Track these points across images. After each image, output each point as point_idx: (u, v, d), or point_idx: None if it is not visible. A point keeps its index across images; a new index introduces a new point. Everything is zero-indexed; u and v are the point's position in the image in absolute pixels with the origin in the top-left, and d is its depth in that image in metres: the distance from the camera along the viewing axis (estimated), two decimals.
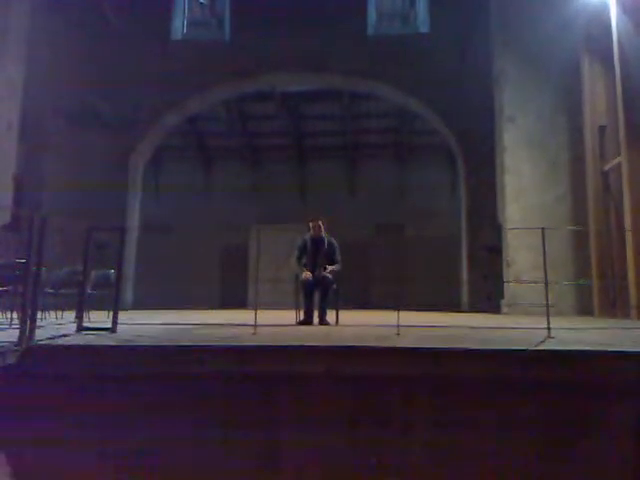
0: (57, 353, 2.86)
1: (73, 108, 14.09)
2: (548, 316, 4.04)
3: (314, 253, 6.17)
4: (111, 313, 6.66)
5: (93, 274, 6.49)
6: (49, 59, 12.98)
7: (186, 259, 18.06)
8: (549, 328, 3.71)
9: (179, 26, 16.63)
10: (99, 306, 6.51)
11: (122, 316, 6.91)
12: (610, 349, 2.99)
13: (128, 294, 14.75)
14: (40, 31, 11.90)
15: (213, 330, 4.38)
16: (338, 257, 6.28)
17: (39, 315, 5.83)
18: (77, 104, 14.10)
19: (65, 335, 3.45)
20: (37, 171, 14.21)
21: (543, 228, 4.28)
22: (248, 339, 3.39)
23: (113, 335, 3.53)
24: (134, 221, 15.53)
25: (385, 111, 17.61)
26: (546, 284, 4.22)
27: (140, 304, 14.31)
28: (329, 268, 6.09)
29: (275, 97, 17.21)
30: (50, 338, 3.17)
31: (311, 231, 6.35)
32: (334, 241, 6.38)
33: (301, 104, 18.10)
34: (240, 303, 14.92)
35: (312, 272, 6.01)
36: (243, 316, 6.27)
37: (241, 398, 2.85)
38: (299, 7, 14.84)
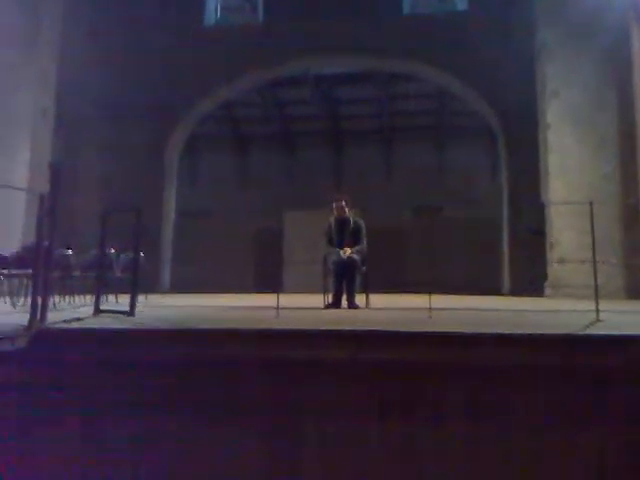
0: (66, 336, 2.75)
1: (107, 98, 14.16)
2: (597, 298, 3.72)
3: (340, 234, 5.95)
4: (141, 296, 6.65)
5: (122, 258, 6.45)
6: (82, 48, 13.05)
7: (222, 244, 18.09)
8: (598, 311, 3.40)
9: (212, 11, 16.52)
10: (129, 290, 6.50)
11: (154, 299, 6.95)
12: None
13: (165, 278, 14.92)
14: (73, 20, 11.94)
15: (236, 313, 4.24)
16: (363, 237, 6.05)
17: (65, 299, 5.86)
18: (111, 93, 14.15)
19: (80, 318, 3.35)
20: (73, 161, 14.40)
21: (591, 203, 3.94)
22: (269, 323, 3.22)
23: (130, 318, 3.41)
24: (170, 208, 15.63)
25: (423, 92, 17.12)
26: (594, 263, 3.89)
27: (177, 288, 14.44)
28: (354, 249, 5.87)
29: (309, 81, 16.96)
30: (64, 321, 3.08)
31: (334, 212, 6.14)
32: (361, 221, 6.14)
33: (336, 87, 17.79)
34: (275, 287, 14.84)
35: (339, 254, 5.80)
36: (275, 300, 6.12)
37: (259, 384, 2.67)
38: None
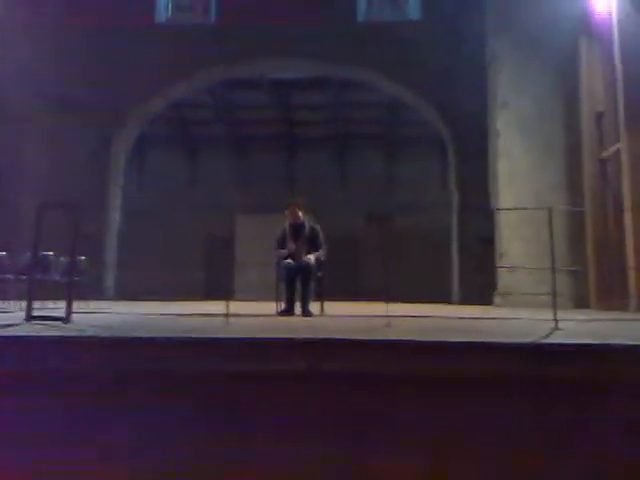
0: None
1: (52, 93, 13.56)
2: (555, 305, 3.68)
3: (294, 240, 5.77)
4: (83, 302, 6.29)
5: (62, 260, 6.08)
6: (25, 41, 12.45)
7: (170, 248, 17.62)
8: (556, 319, 3.35)
9: (163, 9, 16.12)
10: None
11: (97, 306, 6.58)
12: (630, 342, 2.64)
13: (109, 283, 14.34)
14: (14, 9, 11.37)
15: (182, 320, 4.00)
16: (322, 242, 5.89)
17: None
18: (57, 88, 13.57)
19: (10, 325, 3.05)
20: (15, 157, 13.73)
21: (550, 209, 3.92)
22: (216, 331, 3.01)
23: (65, 325, 3.13)
24: (115, 209, 15.08)
25: (375, 101, 17.24)
26: (553, 270, 3.86)
27: (123, 294, 13.93)
28: (312, 255, 5.70)
29: (263, 85, 16.80)
30: None
31: (288, 217, 5.97)
32: (316, 225, 5.98)
33: (290, 93, 17.68)
34: (226, 294, 14.51)
35: (293, 259, 5.62)
36: (231, 307, 5.89)
37: (204, 400, 2.46)
38: None
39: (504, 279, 9.79)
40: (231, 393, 2.43)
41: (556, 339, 2.88)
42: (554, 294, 3.81)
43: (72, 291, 3.47)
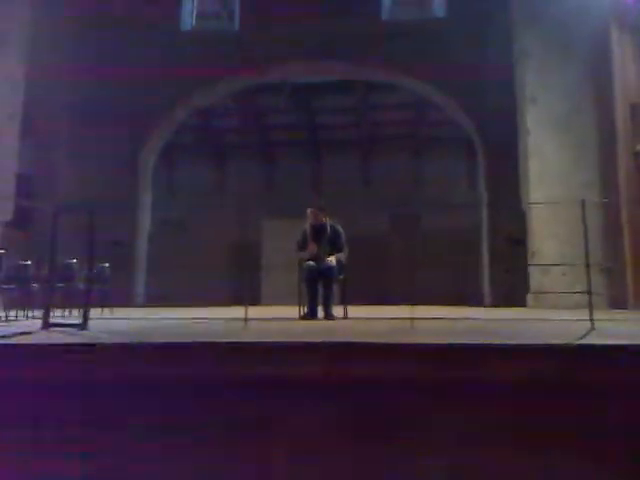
0: (6, 352, 2.42)
1: (78, 104, 13.76)
2: (591, 304, 3.48)
3: (315, 241, 5.64)
4: (107, 310, 6.30)
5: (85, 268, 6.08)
6: (53, 52, 12.65)
7: (199, 255, 17.72)
8: (592, 320, 3.16)
9: (188, 17, 16.27)
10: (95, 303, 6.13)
11: (121, 312, 6.58)
12: None
13: (139, 290, 14.49)
14: (44, 23, 11.55)
15: (202, 326, 3.92)
16: (344, 244, 5.76)
17: (25, 313, 5.48)
18: (82, 100, 13.76)
19: (26, 333, 3.02)
20: (47, 168, 13.97)
21: (583, 201, 3.72)
22: (234, 335, 2.92)
23: (82, 332, 3.08)
24: (145, 217, 15.23)
25: (401, 102, 17.06)
26: (587, 268, 3.66)
27: (152, 301, 14.03)
28: (334, 257, 5.56)
29: (288, 90, 16.77)
30: (5, 336, 2.74)
31: (309, 218, 5.85)
32: (339, 227, 5.84)
33: (315, 97, 17.63)
34: (253, 299, 14.50)
35: (314, 261, 5.50)
36: (252, 312, 5.81)
37: (219, 406, 2.36)
38: None
39: (536, 280, 9.48)
40: (245, 398, 2.33)
41: (592, 340, 2.70)
42: (589, 293, 3.61)
43: (90, 297, 3.42)
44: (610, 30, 8.85)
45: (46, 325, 3.29)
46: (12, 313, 5.17)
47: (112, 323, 4.14)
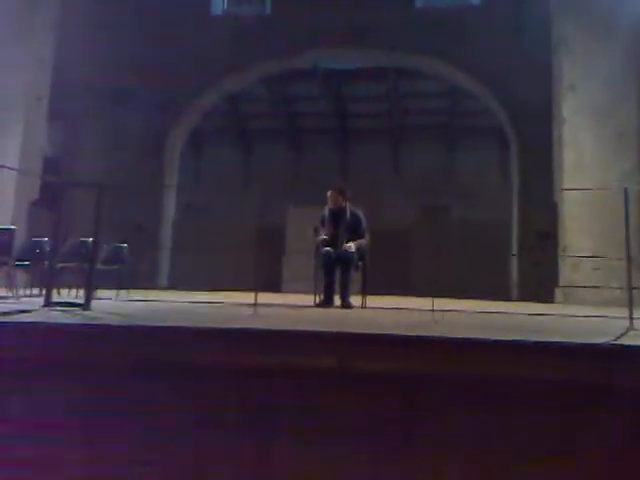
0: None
1: (108, 88, 13.75)
2: (631, 301, 3.21)
3: (334, 226, 5.41)
4: (121, 291, 6.22)
5: (104, 247, 6.01)
6: (82, 35, 12.64)
7: (224, 241, 17.67)
8: (632, 318, 2.91)
9: (219, 1, 16.14)
10: (112, 283, 6.07)
11: (139, 294, 6.52)
12: None
13: (163, 274, 14.56)
14: (72, 5, 11.52)
15: (212, 310, 3.77)
16: (364, 230, 5.51)
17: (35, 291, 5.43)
18: (112, 84, 13.75)
19: (26, 311, 2.91)
20: (74, 151, 14.04)
21: (626, 188, 3.45)
22: (241, 321, 2.76)
23: (83, 312, 2.96)
24: (170, 202, 15.25)
25: (433, 91, 16.72)
26: (628, 262, 3.38)
27: (176, 284, 14.06)
28: (353, 242, 5.30)
29: (318, 76, 16.54)
30: (4, 313, 2.64)
31: (328, 202, 5.62)
32: (359, 212, 5.59)
33: (345, 84, 17.37)
34: (274, 286, 14.40)
35: (332, 247, 5.27)
36: (268, 298, 5.65)
37: (223, 396, 2.20)
38: None
39: (566, 275, 9.13)
40: (247, 389, 2.18)
41: (632, 340, 2.46)
42: (630, 289, 3.33)
43: (93, 277, 3.29)
44: None
45: (47, 304, 3.18)
46: (28, 291, 5.13)
47: (120, 305, 4.03)
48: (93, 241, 3.37)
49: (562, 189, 8.90)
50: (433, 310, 3.11)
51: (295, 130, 19.66)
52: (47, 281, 3.42)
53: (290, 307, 4.57)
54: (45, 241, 5.08)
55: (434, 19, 14.00)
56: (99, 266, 5.88)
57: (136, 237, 11.99)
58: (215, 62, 14.24)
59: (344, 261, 5.21)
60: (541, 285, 11.21)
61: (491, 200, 16.94)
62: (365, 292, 5.46)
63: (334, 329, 2.48)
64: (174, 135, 14.98)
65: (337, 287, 5.23)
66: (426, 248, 17.48)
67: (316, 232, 5.57)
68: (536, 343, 2.21)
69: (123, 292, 6.02)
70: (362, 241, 5.40)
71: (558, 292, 9.31)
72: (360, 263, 5.39)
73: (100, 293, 5.77)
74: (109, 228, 11.10)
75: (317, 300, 5.28)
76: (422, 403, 2.15)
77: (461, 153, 18.85)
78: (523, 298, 11.89)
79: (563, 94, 9.48)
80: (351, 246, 5.22)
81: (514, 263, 13.46)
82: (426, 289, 12.47)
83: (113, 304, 3.80)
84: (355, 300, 5.13)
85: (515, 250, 13.45)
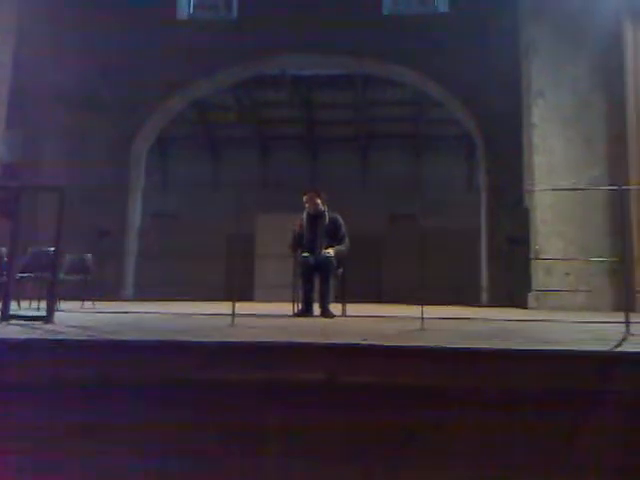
0: None
1: (71, 90, 13.34)
2: (628, 306, 3.12)
3: (313, 231, 5.18)
4: (86, 302, 5.93)
5: (67, 257, 5.70)
6: (44, 38, 12.22)
7: (191, 249, 17.36)
8: (628, 323, 2.81)
9: (185, 6, 15.88)
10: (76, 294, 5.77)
11: (104, 306, 6.21)
12: None
13: (128, 283, 14.13)
14: (35, 10, 11.11)
15: (186, 321, 3.55)
16: (344, 235, 5.32)
17: None
18: (75, 88, 13.35)
19: None
20: (34, 156, 13.55)
21: (621, 188, 3.37)
22: (216, 333, 2.56)
23: (44, 326, 2.71)
24: (136, 209, 14.84)
25: (400, 99, 16.81)
26: (625, 262, 3.29)
27: (142, 295, 13.65)
28: (333, 249, 5.09)
29: (285, 83, 16.44)
30: None
31: (306, 205, 5.42)
32: (338, 216, 5.39)
33: (313, 91, 17.29)
34: (245, 296, 14.14)
35: (311, 253, 5.08)
36: (242, 308, 5.41)
37: (200, 416, 2.01)
38: None
39: (539, 279, 9.14)
40: (229, 407, 1.99)
41: (632, 347, 2.36)
42: (628, 293, 3.25)
43: (55, 288, 3.04)
44: (623, 23, 8.48)
45: (4, 317, 2.92)
46: None
47: (86, 317, 3.77)
48: (54, 250, 3.10)
49: (526, 190, 8.92)
50: (422, 318, 2.97)
51: (263, 137, 19.49)
52: (4, 293, 3.14)
53: (268, 317, 4.37)
54: (1, 250, 4.77)
55: (401, 26, 14.03)
56: (62, 276, 5.59)
57: (101, 245, 11.62)
58: (181, 67, 14.00)
59: (323, 268, 4.99)
60: (510, 291, 11.25)
61: (459, 207, 17.06)
62: (345, 300, 5.27)
63: (321, 340, 2.30)
64: (140, 141, 14.62)
65: (316, 295, 5.02)
66: (395, 255, 17.54)
67: (295, 238, 5.34)
68: (541, 351, 2.07)
69: (88, 303, 5.72)
70: (341, 247, 5.19)
71: (531, 297, 9.31)
72: (340, 270, 5.20)
73: (64, 304, 5.48)
74: (73, 236, 10.67)
75: (296, 309, 5.06)
76: (419, 416, 2.00)
77: (429, 161, 19.02)
78: (493, 303, 11.91)
79: (532, 100, 9.54)
80: (330, 252, 5.01)
81: (484, 269, 13.51)
82: (398, 297, 12.42)
83: (77, 316, 3.54)
84: (334, 308, 4.94)
85: (485, 256, 13.52)
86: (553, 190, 8.00)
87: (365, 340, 2.34)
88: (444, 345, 2.18)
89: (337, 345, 2.16)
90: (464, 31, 13.19)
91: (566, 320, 4.51)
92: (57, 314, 3.12)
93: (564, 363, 1.98)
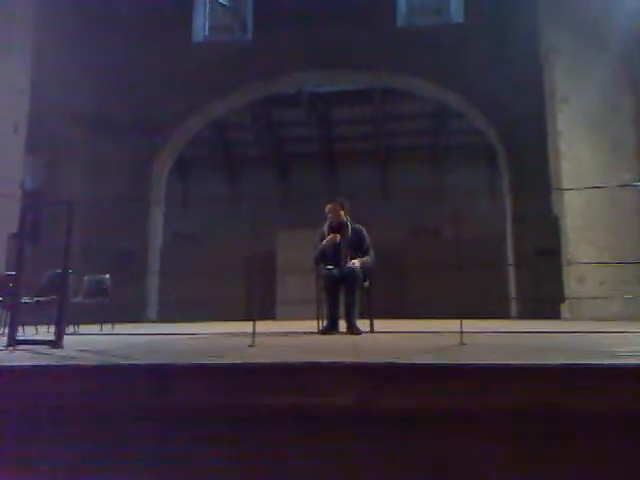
0: None
1: (89, 115, 13.42)
2: None
3: (336, 243, 4.96)
4: (105, 325, 5.79)
5: (86, 279, 5.58)
6: (61, 62, 12.33)
7: (213, 270, 17.22)
8: None
9: (200, 28, 16.00)
10: (93, 318, 5.63)
11: (123, 328, 6.06)
12: None
13: (152, 306, 14.07)
14: (50, 31, 11.21)
15: (203, 342, 3.36)
16: (369, 247, 5.07)
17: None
18: (93, 110, 13.43)
19: None
20: (56, 180, 13.62)
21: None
22: (238, 354, 2.37)
23: (53, 351, 2.55)
24: (157, 231, 14.82)
25: (418, 112, 16.64)
26: None
27: (165, 316, 13.57)
28: (358, 260, 4.82)
29: (303, 100, 16.41)
30: None
31: (329, 216, 5.20)
32: (362, 228, 5.17)
33: (330, 108, 17.23)
34: (267, 314, 13.95)
35: (335, 265, 4.85)
36: (265, 327, 5.20)
37: (218, 446, 1.81)
38: (324, 1, 14.00)
39: (572, 289, 8.80)
40: (249, 436, 1.79)
41: None
42: None
43: (64, 310, 2.89)
44: None
45: (12, 342, 2.76)
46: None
47: (99, 340, 3.61)
48: (63, 269, 2.95)
49: (557, 188, 8.61)
50: (462, 332, 2.73)
51: (282, 155, 19.46)
52: (11, 317, 2.99)
53: (291, 335, 4.16)
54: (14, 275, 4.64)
55: (417, 38, 13.91)
56: (80, 299, 5.47)
57: (122, 268, 11.58)
58: (198, 88, 14.05)
59: (349, 281, 4.73)
60: (540, 302, 10.91)
61: (483, 217, 16.72)
62: (372, 315, 5.01)
63: (350, 359, 2.09)
64: (159, 162, 14.66)
65: (341, 311, 4.78)
66: (419, 269, 17.21)
67: (319, 256, 5.09)
68: (602, 367, 1.84)
69: (107, 326, 5.58)
70: (367, 258, 4.95)
71: (564, 308, 8.96)
72: (366, 283, 4.95)
73: (83, 328, 5.34)
74: (94, 258, 10.53)
75: (320, 326, 4.83)
76: (464, 444, 1.77)
77: (450, 172, 18.72)
78: (523, 316, 11.54)
79: (556, 106, 9.29)
80: (355, 263, 4.78)
81: (512, 279, 13.15)
82: (422, 311, 12.11)
83: (90, 339, 3.38)
84: (360, 324, 4.69)
85: (512, 266, 13.16)
86: (585, 189, 7.66)
87: (398, 358, 2.13)
88: (489, 362, 1.95)
89: (370, 365, 1.94)
90: (480, 40, 13.00)
91: (627, 330, 4.19)
92: (70, 338, 2.96)
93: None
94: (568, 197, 8.86)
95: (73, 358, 2.23)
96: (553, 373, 1.76)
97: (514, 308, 12.95)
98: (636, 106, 8.65)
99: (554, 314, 9.40)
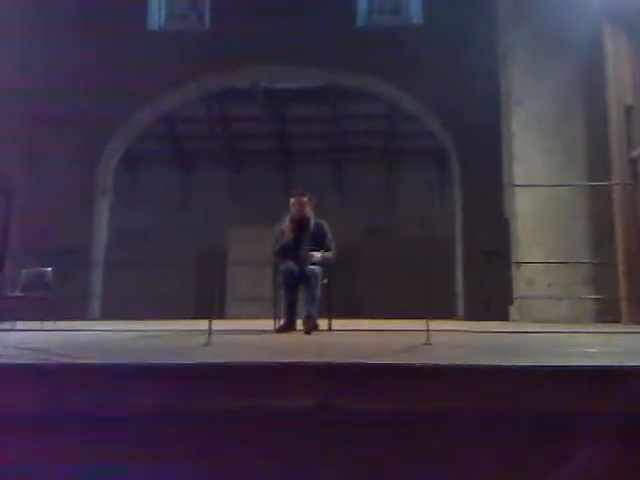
0: None
1: (36, 104, 12.79)
2: None
3: (297, 237, 4.81)
4: (46, 322, 5.46)
5: (24, 272, 5.24)
6: (11, 52, 11.74)
7: (162, 266, 16.77)
8: None
9: (156, 16, 15.53)
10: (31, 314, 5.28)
11: (67, 325, 5.73)
12: None
13: (95, 302, 13.54)
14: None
15: (153, 341, 3.16)
16: (330, 242, 4.96)
17: None
18: (42, 100, 12.81)
19: None
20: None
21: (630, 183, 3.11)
22: (189, 353, 2.21)
23: None
24: (102, 226, 14.28)
25: (374, 112, 16.69)
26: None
27: (110, 315, 13.08)
28: (319, 255, 4.71)
29: (258, 96, 16.17)
30: None
31: (292, 209, 5.05)
32: (324, 223, 5.06)
33: (286, 104, 17.06)
34: (218, 312, 13.66)
35: (295, 261, 4.71)
36: (221, 324, 4.99)
37: (169, 451, 1.65)
38: None
39: (521, 291, 8.94)
40: (204, 440, 1.63)
41: None
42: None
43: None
44: (603, 30, 8.37)
45: None
46: None
47: (36, 336, 3.35)
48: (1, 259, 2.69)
49: (513, 185, 8.71)
50: (428, 330, 2.65)
51: (235, 150, 19.14)
52: None
53: (248, 333, 3.99)
54: None
55: (376, 38, 13.93)
56: (19, 293, 5.13)
57: (66, 263, 11.08)
58: (151, 79, 13.63)
59: (309, 277, 4.56)
60: (487, 303, 11.09)
61: (434, 219, 16.92)
62: (331, 313, 4.88)
63: (313, 359, 1.96)
64: (107, 154, 14.13)
65: (299, 308, 4.62)
66: (372, 268, 17.26)
67: (280, 250, 4.92)
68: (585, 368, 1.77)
69: (48, 323, 5.25)
70: (329, 254, 4.83)
71: (513, 309, 9.10)
72: (324, 280, 4.82)
73: (21, 324, 5.02)
74: (36, 253, 10.00)
75: (277, 324, 4.66)
76: (431, 446, 1.68)
77: (402, 174, 18.92)
78: (470, 317, 11.70)
79: (511, 108, 9.42)
80: (316, 255, 4.63)
81: (459, 281, 13.34)
82: (374, 310, 12.11)
83: (26, 335, 3.13)
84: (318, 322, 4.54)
85: (460, 268, 13.36)
86: (536, 186, 7.77)
87: (362, 358, 2.01)
88: (458, 363, 1.86)
89: (333, 365, 1.81)
90: (438, 42, 13.08)
91: (582, 331, 4.23)
92: (3, 334, 2.72)
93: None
94: (519, 199, 9.00)
95: (8, 357, 2.01)
96: (524, 373, 1.69)
97: (461, 309, 13.13)
98: (590, 112, 8.83)
99: (503, 315, 9.54)
